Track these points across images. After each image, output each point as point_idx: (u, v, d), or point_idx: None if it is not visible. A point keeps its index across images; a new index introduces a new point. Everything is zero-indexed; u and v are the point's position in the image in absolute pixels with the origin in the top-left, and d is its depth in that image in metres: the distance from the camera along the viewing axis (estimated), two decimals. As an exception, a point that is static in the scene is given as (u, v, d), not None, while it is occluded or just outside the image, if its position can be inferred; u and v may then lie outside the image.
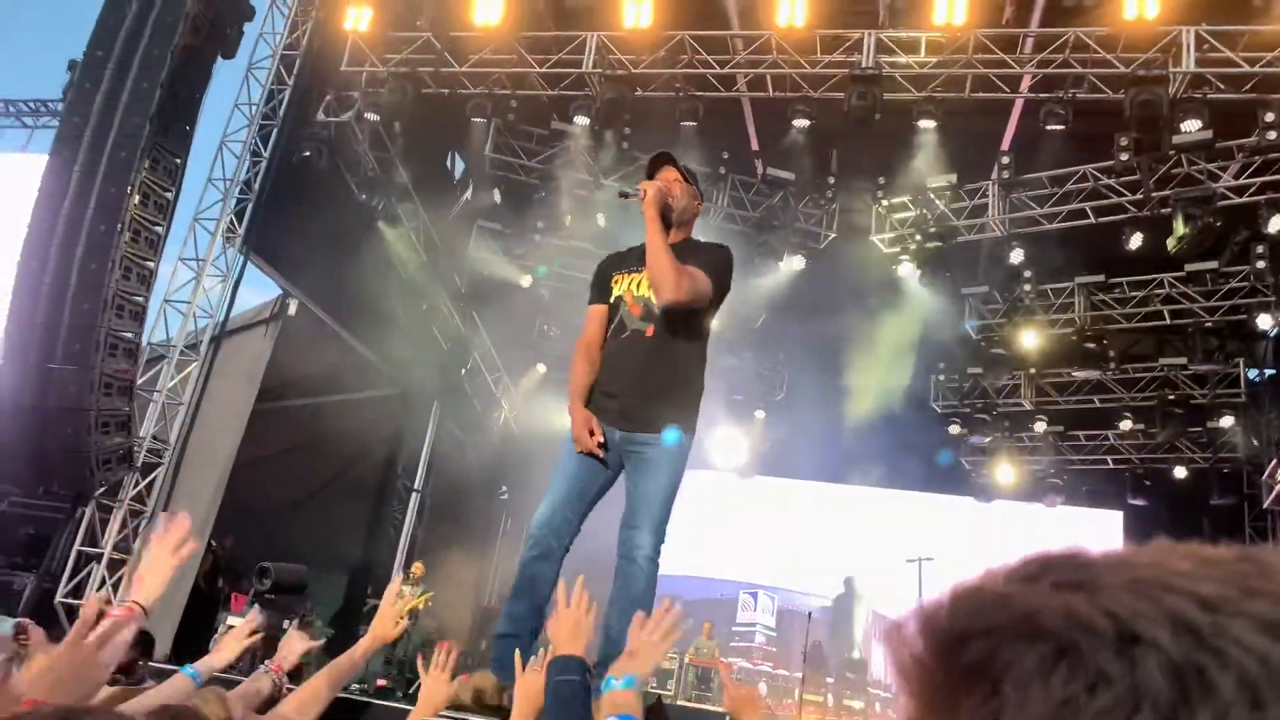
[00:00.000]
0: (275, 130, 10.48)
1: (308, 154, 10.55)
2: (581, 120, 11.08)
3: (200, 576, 11.05)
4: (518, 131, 11.69)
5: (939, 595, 0.42)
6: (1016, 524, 15.42)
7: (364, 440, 13.78)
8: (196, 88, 9.31)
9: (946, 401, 14.82)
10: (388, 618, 3.14)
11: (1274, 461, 12.48)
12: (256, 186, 10.42)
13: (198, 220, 10.37)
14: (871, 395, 14.44)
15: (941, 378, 14.70)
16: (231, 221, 10.44)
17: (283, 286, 11.34)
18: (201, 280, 10.29)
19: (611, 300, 3.71)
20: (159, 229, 9.48)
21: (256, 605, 6.30)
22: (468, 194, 13.10)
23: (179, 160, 9.55)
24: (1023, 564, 0.41)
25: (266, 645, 6.82)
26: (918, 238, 12.10)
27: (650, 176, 3.78)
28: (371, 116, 10.70)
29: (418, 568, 11.75)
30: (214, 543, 11.11)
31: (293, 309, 11.37)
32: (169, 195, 9.51)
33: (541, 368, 15.21)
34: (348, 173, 11.36)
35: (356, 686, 10.93)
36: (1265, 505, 13.18)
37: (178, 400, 10.19)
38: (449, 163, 13.33)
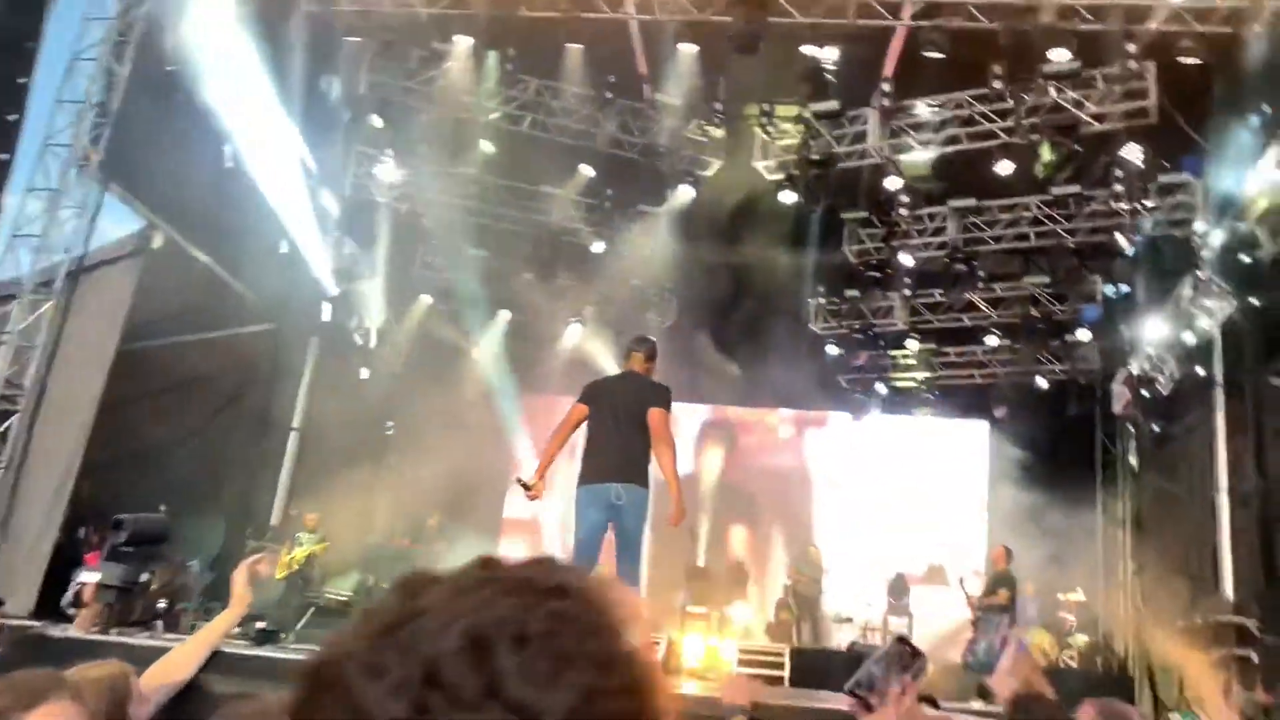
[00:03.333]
0: (131, 47, 9.63)
1: (169, 73, 9.78)
2: (463, 40, 10.67)
3: (62, 527, 10.48)
4: (396, 52, 11.16)
5: None
6: (892, 437, 16.18)
7: (240, 379, 13.21)
8: (40, -1, 8.48)
9: (825, 323, 15.29)
10: (242, 593, 3.65)
11: (1122, 372, 13.47)
12: (113, 109, 9.61)
13: (48, 146, 9.52)
14: (753, 318, 14.74)
15: (821, 300, 15.12)
16: (86, 147, 9.63)
17: (146, 217, 10.59)
18: (55, 212, 9.50)
19: (603, 410, 5.52)
20: (2, 156, 8.72)
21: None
22: (345, 118, 12.46)
23: (22, 80, 8.74)
24: None
25: (121, 597, 6.48)
26: (800, 164, 12.30)
27: (626, 357, 5.96)
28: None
29: (311, 518, 11.50)
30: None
31: (158, 241, 10.66)
32: (11, 118, 8.73)
33: (426, 299, 14.84)
34: (213, 94, 10.59)
35: (237, 629, 10.69)
36: (1114, 412, 14.26)
37: (32, 343, 9.50)
38: (323, 84, 12.60)
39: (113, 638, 5.83)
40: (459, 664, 0.62)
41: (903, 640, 2.15)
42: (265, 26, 9.79)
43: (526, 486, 5.60)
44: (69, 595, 7.80)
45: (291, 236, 12.26)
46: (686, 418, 16.31)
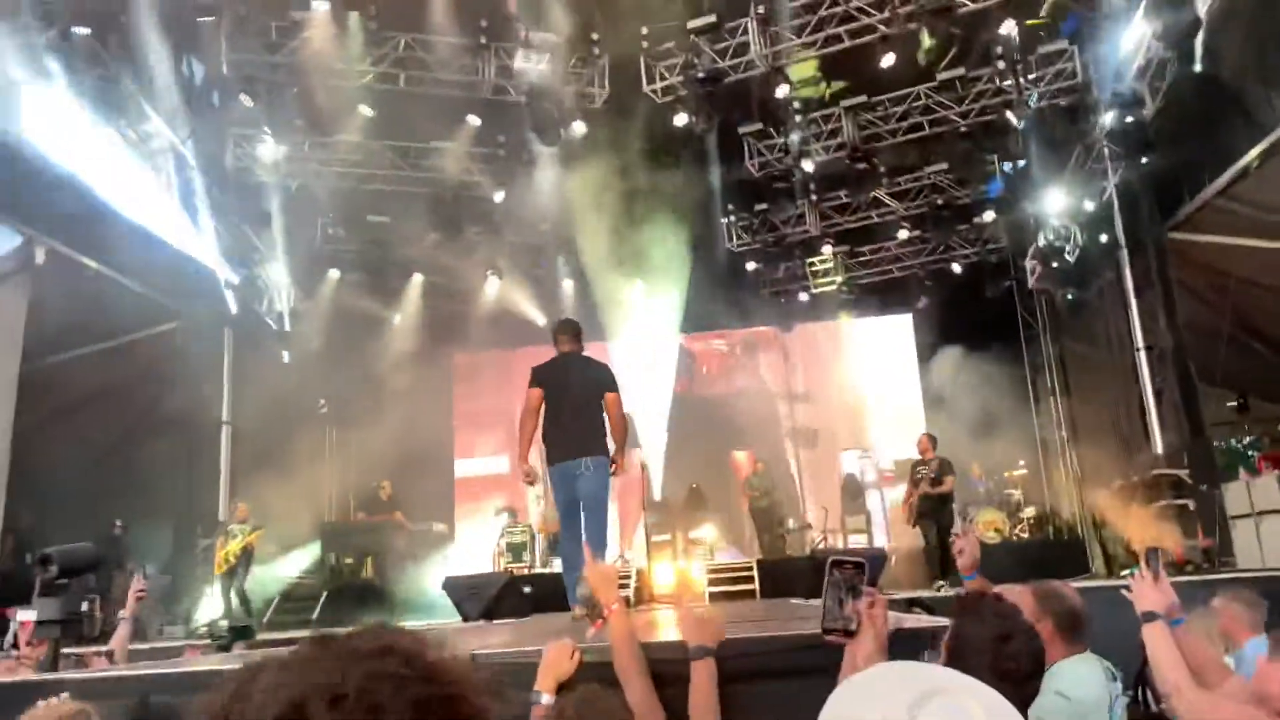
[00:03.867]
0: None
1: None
2: (320, 4, 10.34)
3: (4, 557, 10.38)
4: (253, 27, 10.78)
5: None
6: (821, 344, 16.38)
7: (159, 380, 13.00)
8: None
9: (740, 240, 15.30)
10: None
11: (1032, 247, 13.65)
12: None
13: (-101, 173, 9.15)
14: (669, 246, 14.70)
15: (733, 219, 15.10)
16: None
17: (23, 232, 10.27)
18: (-79, 241, 9.17)
19: (558, 394, 5.92)
20: None
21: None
22: (214, 102, 12.06)
23: None
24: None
25: (66, 629, 6.49)
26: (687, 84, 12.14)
27: (555, 341, 6.22)
28: (81, 30, 9.56)
29: (242, 508, 11.44)
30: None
31: (41, 256, 10.36)
32: None
33: (335, 273, 14.58)
34: (72, 95, 10.18)
35: (203, 628, 10.67)
36: (1031, 286, 14.50)
37: (-75, 379, 9.22)
38: (185, 70, 12.14)
39: (66, 674, 5.76)
40: None
41: (837, 563, 2.18)
42: (103, 19, 9.38)
43: (528, 476, 6.24)
44: (9, 637, 7.72)
45: (182, 229, 11.96)
46: (623, 353, 16.33)
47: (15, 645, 7.56)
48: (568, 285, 15.49)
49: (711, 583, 11.79)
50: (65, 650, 6.39)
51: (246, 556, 11.21)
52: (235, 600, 11.14)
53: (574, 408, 5.91)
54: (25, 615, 7.01)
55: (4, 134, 9.48)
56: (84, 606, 7.10)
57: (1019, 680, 1.98)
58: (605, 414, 5.97)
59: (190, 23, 10.06)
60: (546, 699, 2.45)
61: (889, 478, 15.20)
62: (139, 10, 9.72)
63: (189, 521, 13.26)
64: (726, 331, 16.74)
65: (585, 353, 6.27)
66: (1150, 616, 2.78)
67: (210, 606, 12.02)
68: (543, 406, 5.93)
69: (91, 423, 12.43)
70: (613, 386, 6.00)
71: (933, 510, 10.84)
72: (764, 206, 14.50)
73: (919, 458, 11.23)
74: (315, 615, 12.39)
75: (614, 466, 6.00)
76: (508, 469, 16.36)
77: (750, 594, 11.72)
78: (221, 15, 10.08)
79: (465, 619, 10.19)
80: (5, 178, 9.73)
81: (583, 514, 5.86)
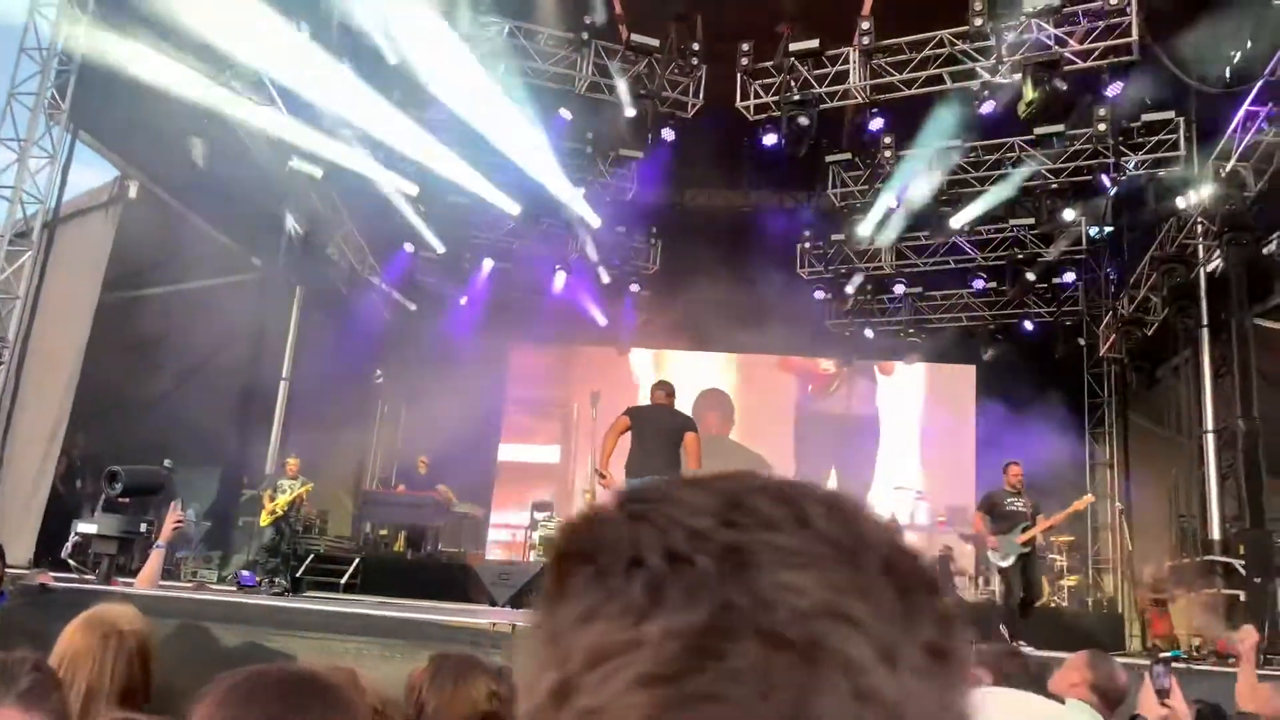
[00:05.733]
0: (92, -9, 9.52)
1: (132, 16, 9.67)
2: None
3: (57, 479, 10.65)
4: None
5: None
6: (881, 382, 16.20)
7: (225, 329, 13.26)
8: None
9: (812, 268, 15.19)
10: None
11: (1109, 314, 13.36)
12: (78, 56, 9.54)
13: (14, 96, 9.48)
14: (739, 264, 14.65)
15: (807, 245, 15.01)
16: (53, 95, 9.57)
17: (119, 167, 10.58)
18: (25, 162, 9.48)
19: (647, 429, 7.25)
20: (-32, 108, 8.69)
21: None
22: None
23: (-16, 30, 8.68)
24: (622, 494, 0.51)
25: (123, 549, 6.61)
26: (782, 105, 12.11)
27: (651, 396, 7.68)
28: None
29: (292, 463, 11.62)
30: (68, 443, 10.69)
31: (133, 191, 10.65)
32: (-24, 70, 8.67)
33: (409, 247, 14.78)
34: (177, 40, 10.45)
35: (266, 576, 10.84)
36: (1101, 354, 14.18)
37: (12, 294, 9.52)
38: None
39: (117, 587, 5.93)
40: None
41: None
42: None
43: (603, 476, 7.38)
44: (68, 546, 7.98)
45: (270, 184, 12.24)
46: (673, 363, 16.29)
47: (73, 556, 7.81)
48: (634, 288, 15.51)
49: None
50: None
51: (294, 511, 11.41)
52: (278, 552, 11.33)
53: (655, 439, 7.17)
54: (85, 528, 7.22)
55: (118, 73, 9.78)
56: (142, 528, 7.27)
57: None
58: (684, 451, 7.10)
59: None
60: None
61: (941, 524, 14.90)
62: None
63: (236, 471, 13.49)
64: (785, 358, 16.59)
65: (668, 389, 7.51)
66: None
67: (244, 555, 12.25)
68: (628, 434, 7.15)
69: (156, 361, 12.73)
70: (693, 429, 7.28)
71: (1026, 557, 9.06)
72: (840, 237, 14.38)
73: (1006, 489, 9.41)
74: (344, 581, 12.52)
75: None
76: (554, 459, 16.44)
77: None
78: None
79: (492, 604, 10.25)
80: (105, 108, 10.05)
81: None
